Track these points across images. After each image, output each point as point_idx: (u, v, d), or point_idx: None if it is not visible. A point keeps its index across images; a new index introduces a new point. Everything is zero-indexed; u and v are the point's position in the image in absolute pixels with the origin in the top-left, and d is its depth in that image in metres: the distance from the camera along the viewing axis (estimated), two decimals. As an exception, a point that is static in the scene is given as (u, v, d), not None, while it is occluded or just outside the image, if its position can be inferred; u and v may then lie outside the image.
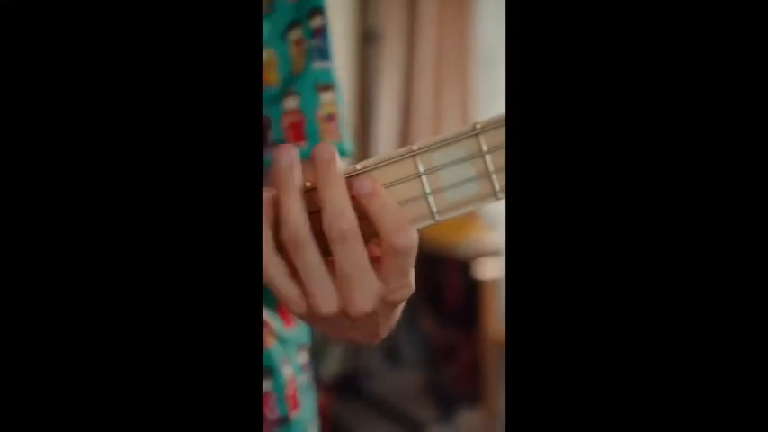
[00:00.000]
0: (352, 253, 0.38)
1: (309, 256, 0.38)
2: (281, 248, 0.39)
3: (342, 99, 0.64)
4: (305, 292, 0.39)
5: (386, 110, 2.68)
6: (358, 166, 0.39)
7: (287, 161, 0.38)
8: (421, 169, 0.39)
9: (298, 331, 0.63)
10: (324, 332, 0.44)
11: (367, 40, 2.55)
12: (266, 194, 0.39)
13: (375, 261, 0.39)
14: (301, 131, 0.61)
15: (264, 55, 0.60)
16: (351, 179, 0.39)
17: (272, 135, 0.61)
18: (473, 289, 2.32)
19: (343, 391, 2.37)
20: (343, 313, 0.39)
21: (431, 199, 0.39)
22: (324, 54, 0.63)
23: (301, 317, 0.41)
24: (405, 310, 0.42)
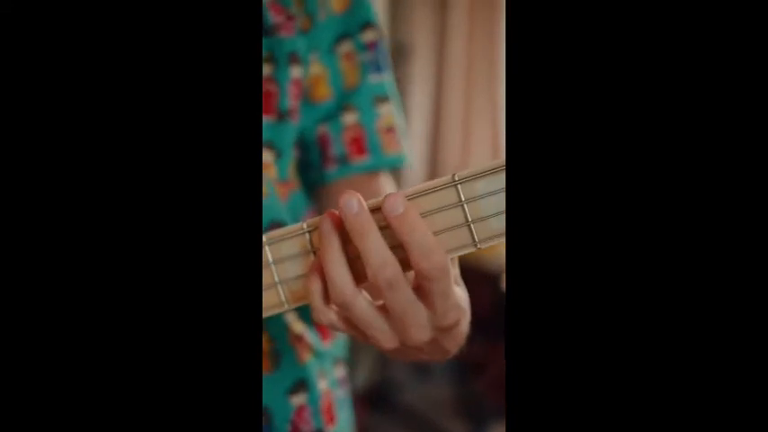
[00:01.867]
0: (400, 295, 0.39)
1: (359, 310, 0.39)
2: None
3: (399, 110, 0.66)
4: (364, 335, 0.41)
5: (415, 124, 2.69)
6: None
7: (354, 208, 0.38)
8: (462, 197, 0.40)
9: (334, 346, 0.65)
10: (395, 358, 0.45)
11: (396, 53, 2.57)
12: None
13: (417, 289, 0.40)
14: (363, 145, 0.63)
15: (314, 70, 0.62)
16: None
17: (333, 151, 0.63)
18: (502, 301, 2.31)
19: (372, 402, 2.38)
20: (405, 345, 0.41)
21: (473, 227, 0.40)
22: (379, 67, 0.64)
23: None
24: None
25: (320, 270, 0.40)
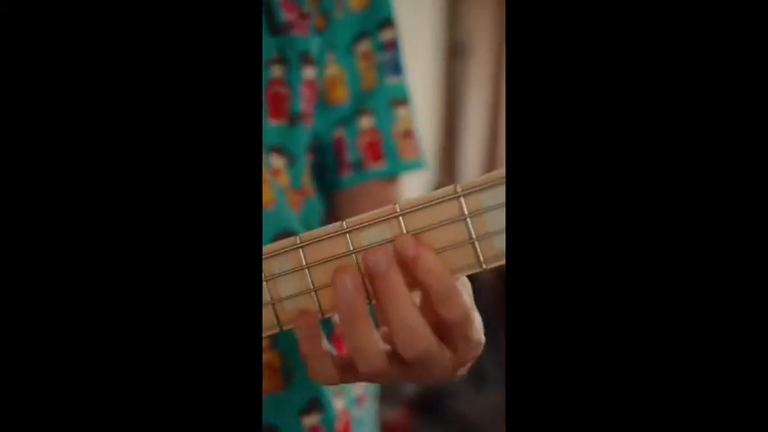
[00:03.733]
0: (430, 362, 0.36)
1: (390, 374, 0.37)
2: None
3: (416, 112, 0.62)
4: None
5: (473, 129, 2.63)
6: (397, 207, 0.36)
7: (378, 267, 0.35)
8: (466, 212, 0.35)
9: None
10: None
11: (454, 54, 2.52)
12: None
13: (438, 331, 0.37)
14: (379, 150, 0.60)
15: (331, 71, 0.59)
16: (392, 234, 0.36)
17: (348, 156, 0.60)
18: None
19: (424, 409, 2.34)
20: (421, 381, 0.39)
21: (477, 245, 0.35)
22: (397, 68, 0.61)
23: None
24: (487, 331, 0.41)
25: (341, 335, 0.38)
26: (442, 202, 0.36)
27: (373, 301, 0.37)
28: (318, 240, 0.38)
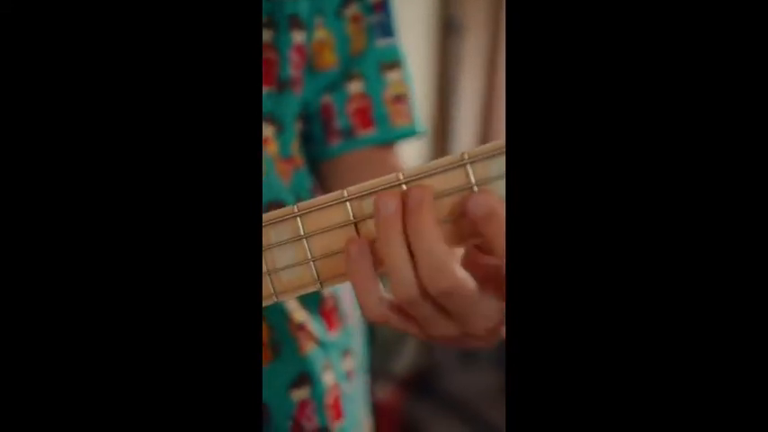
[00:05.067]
0: (462, 301, 0.34)
1: (423, 311, 0.35)
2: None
3: (409, 76, 0.59)
4: (418, 324, 0.37)
5: (467, 105, 2.61)
6: (401, 175, 0.35)
7: (388, 210, 0.34)
8: (473, 180, 0.34)
9: (342, 336, 0.59)
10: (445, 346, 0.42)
11: (448, 29, 2.48)
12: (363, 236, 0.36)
13: (487, 279, 0.35)
14: (369, 117, 0.58)
15: (320, 35, 0.56)
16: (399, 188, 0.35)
17: (337, 123, 0.57)
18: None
19: (415, 387, 2.34)
20: (466, 333, 0.37)
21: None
22: (387, 30, 0.58)
23: None
24: None
25: (378, 262, 0.35)
26: (448, 170, 0.34)
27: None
28: (317, 209, 0.36)
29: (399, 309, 0.36)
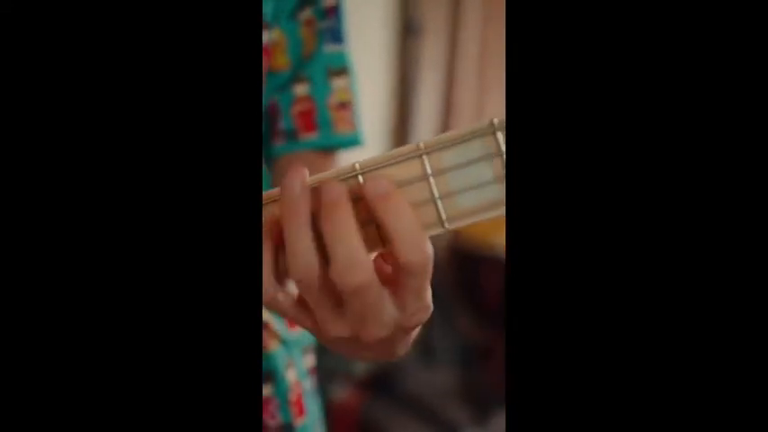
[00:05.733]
0: (364, 302, 0.33)
1: (318, 295, 0.34)
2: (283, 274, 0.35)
3: (356, 85, 0.60)
4: (314, 319, 0.36)
5: (426, 107, 2.62)
6: (357, 165, 0.35)
7: (296, 189, 0.34)
8: (429, 170, 0.34)
9: (303, 333, 0.59)
10: (335, 352, 0.40)
11: (407, 32, 2.50)
12: (269, 217, 0.35)
13: (388, 283, 0.34)
14: (312, 120, 0.58)
15: (274, 36, 0.56)
16: (354, 180, 0.35)
17: (282, 124, 0.57)
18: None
19: (373, 387, 2.34)
20: (357, 339, 0.35)
21: (440, 204, 0.34)
22: (336, 36, 0.58)
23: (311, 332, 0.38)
24: (440, 309, 0.39)
25: (277, 240, 0.35)
26: (404, 160, 0.34)
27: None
28: (268, 202, 0.36)
29: (301, 300, 0.36)
